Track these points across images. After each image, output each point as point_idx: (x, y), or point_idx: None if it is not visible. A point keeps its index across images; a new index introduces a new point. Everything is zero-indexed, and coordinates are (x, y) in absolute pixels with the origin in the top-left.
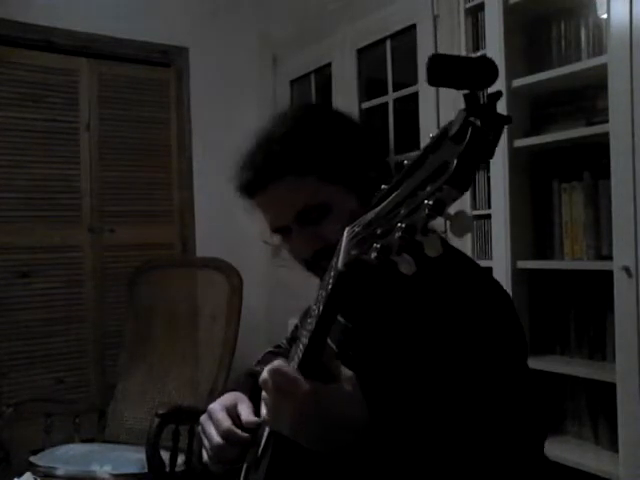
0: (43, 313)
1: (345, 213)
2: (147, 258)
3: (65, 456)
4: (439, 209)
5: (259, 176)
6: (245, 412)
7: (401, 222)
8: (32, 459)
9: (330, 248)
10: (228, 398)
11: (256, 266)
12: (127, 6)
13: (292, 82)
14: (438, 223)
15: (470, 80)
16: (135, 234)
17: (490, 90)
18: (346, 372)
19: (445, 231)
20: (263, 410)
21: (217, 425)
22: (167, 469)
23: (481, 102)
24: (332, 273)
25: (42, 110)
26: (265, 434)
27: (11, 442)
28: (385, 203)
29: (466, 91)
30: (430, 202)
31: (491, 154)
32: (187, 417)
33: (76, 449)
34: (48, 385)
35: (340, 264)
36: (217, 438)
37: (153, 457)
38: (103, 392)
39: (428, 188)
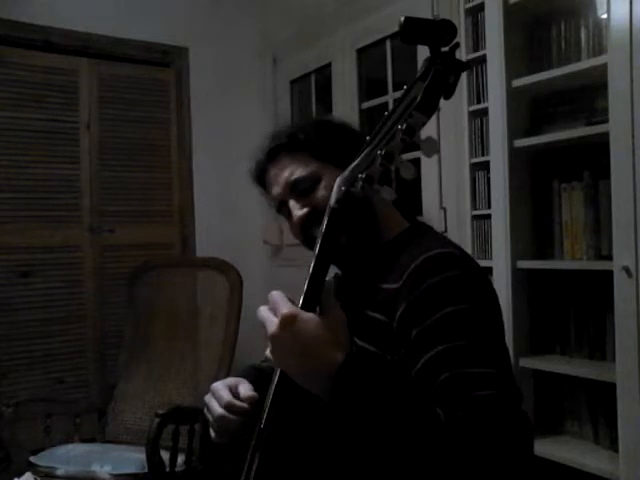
0: (43, 313)
1: (332, 182)
2: (147, 258)
3: (65, 456)
4: (411, 132)
5: (260, 162)
6: (245, 389)
7: (380, 150)
8: (32, 459)
9: (320, 212)
10: (231, 379)
11: (256, 266)
12: (127, 6)
13: (292, 82)
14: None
15: (435, 37)
16: (135, 234)
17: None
18: (338, 313)
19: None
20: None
21: (219, 398)
22: (167, 469)
23: (443, 52)
24: (319, 235)
25: (42, 110)
26: (267, 406)
27: (11, 442)
28: (369, 147)
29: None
30: (402, 127)
31: (451, 93)
32: (187, 417)
33: (76, 449)
34: (48, 385)
35: (332, 201)
36: (219, 409)
37: (153, 457)
38: (103, 392)
39: (401, 120)
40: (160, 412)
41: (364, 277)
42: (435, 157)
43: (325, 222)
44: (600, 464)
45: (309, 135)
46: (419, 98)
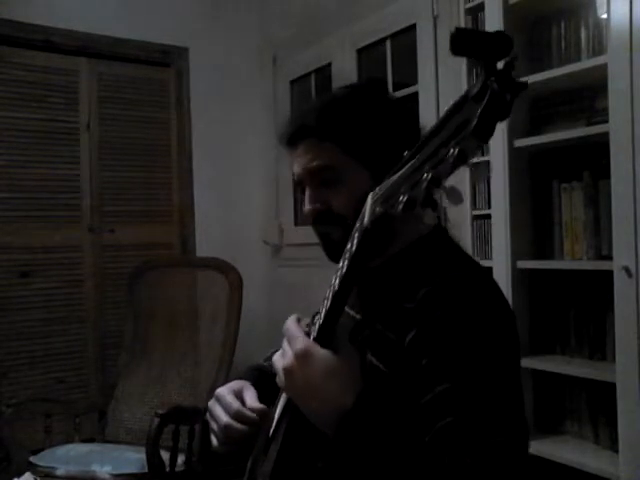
0: (43, 313)
1: (355, 187)
2: (147, 258)
3: (65, 456)
4: (463, 158)
5: (289, 133)
6: (250, 397)
7: (427, 173)
8: (32, 459)
9: (331, 215)
10: (235, 384)
11: (256, 266)
12: (127, 6)
13: (292, 82)
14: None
15: (488, 51)
16: (135, 234)
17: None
18: (352, 353)
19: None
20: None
21: (226, 406)
22: (167, 469)
23: (498, 69)
24: (347, 256)
25: (42, 110)
26: (275, 418)
27: (11, 442)
28: (409, 165)
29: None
30: (455, 151)
31: (507, 113)
32: (187, 417)
33: (76, 449)
34: (48, 385)
35: (366, 221)
36: (225, 418)
37: (153, 457)
38: (103, 392)
39: (452, 143)
40: (160, 412)
41: (378, 288)
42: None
43: (355, 243)
44: (600, 464)
45: (344, 126)
46: (475, 122)
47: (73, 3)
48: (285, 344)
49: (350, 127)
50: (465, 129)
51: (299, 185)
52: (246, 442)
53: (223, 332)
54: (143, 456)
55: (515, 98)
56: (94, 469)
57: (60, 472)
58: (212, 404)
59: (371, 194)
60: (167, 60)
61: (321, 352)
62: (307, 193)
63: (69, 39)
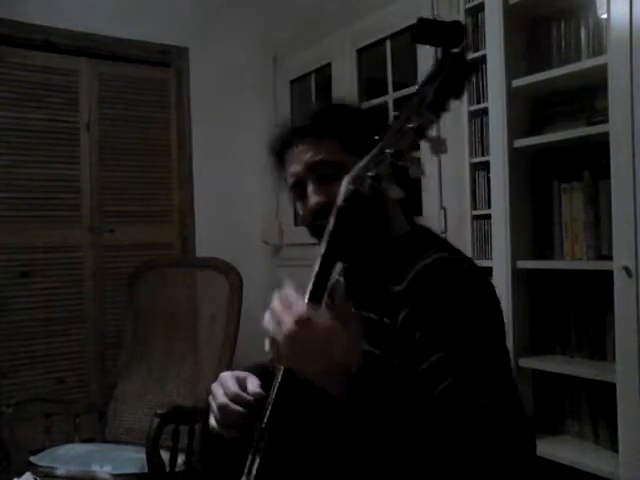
0: (43, 313)
1: None
2: (147, 258)
3: (65, 456)
4: (421, 131)
5: (285, 137)
6: (252, 384)
7: (389, 149)
8: (32, 459)
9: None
10: (239, 372)
11: (256, 266)
12: (127, 6)
13: (292, 82)
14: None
15: (447, 38)
16: (135, 234)
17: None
18: (351, 311)
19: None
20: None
21: (225, 388)
22: (167, 469)
23: (454, 53)
24: (325, 236)
25: (42, 110)
26: (270, 404)
27: (11, 442)
28: (377, 146)
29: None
30: (413, 126)
31: (461, 93)
32: (187, 417)
33: (76, 449)
34: (48, 385)
35: (340, 200)
36: (223, 398)
37: (153, 457)
38: (103, 392)
39: (412, 119)
40: (160, 412)
41: (369, 276)
42: (435, 157)
43: (332, 220)
44: (600, 464)
45: (340, 122)
46: (430, 98)
47: (73, 3)
48: (279, 311)
49: (347, 124)
50: (422, 105)
51: (297, 186)
52: (241, 425)
53: (223, 332)
54: (143, 456)
55: (469, 79)
56: (94, 469)
57: (60, 472)
58: (215, 385)
59: (347, 176)
60: (167, 60)
61: (320, 312)
62: (310, 188)
63: (69, 39)
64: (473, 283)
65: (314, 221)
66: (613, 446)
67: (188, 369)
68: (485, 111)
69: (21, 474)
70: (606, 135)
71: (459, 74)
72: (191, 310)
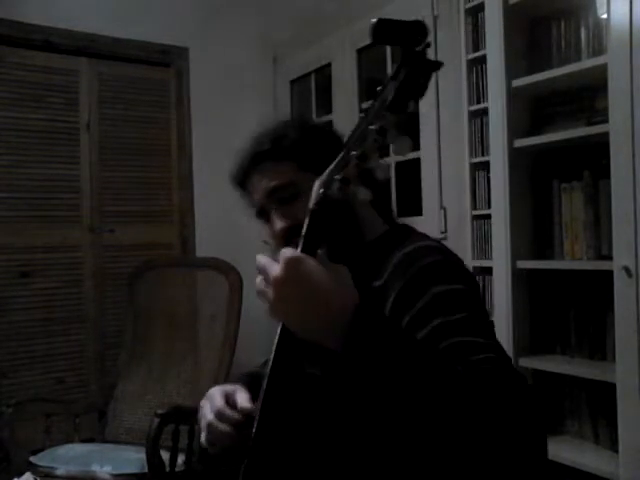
0: (43, 313)
1: None
2: (147, 258)
3: (65, 456)
4: (383, 133)
5: (243, 167)
6: (242, 398)
7: (354, 151)
8: (32, 459)
9: (301, 226)
10: (228, 385)
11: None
12: (127, 6)
13: (292, 82)
14: None
15: (407, 38)
16: (135, 234)
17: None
18: (339, 265)
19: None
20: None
21: (212, 404)
22: (167, 469)
23: (415, 51)
24: (300, 240)
25: (42, 110)
26: (257, 419)
27: (11, 442)
28: (344, 150)
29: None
30: (375, 127)
31: (422, 93)
32: (187, 417)
33: (76, 449)
34: (48, 385)
35: (311, 204)
36: (209, 415)
37: (153, 457)
38: (103, 392)
39: (374, 121)
40: (160, 412)
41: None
42: (435, 157)
43: (305, 225)
44: (600, 464)
45: (295, 143)
46: (390, 99)
47: (73, 3)
48: (267, 262)
49: (303, 143)
50: (382, 106)
51: (261, 214)
52: (231, 444)
53: (223, 332)
54: (143, 456)
55: (429, 77)
56: (94, 469)
57: (60, 472)
58: (203, 402)
59: (317, 181)
60: (167, 60)
61: (312, 259)
62: (274, 214)
63: (69, 39)
64: (453, 263)
65: (287, 244)
66: (613, 446)
67: (188, 369)
68: (485, 111)
69: (21, 474)
70: (606, 135)
71: (419, 74)
72: (191, 310)
